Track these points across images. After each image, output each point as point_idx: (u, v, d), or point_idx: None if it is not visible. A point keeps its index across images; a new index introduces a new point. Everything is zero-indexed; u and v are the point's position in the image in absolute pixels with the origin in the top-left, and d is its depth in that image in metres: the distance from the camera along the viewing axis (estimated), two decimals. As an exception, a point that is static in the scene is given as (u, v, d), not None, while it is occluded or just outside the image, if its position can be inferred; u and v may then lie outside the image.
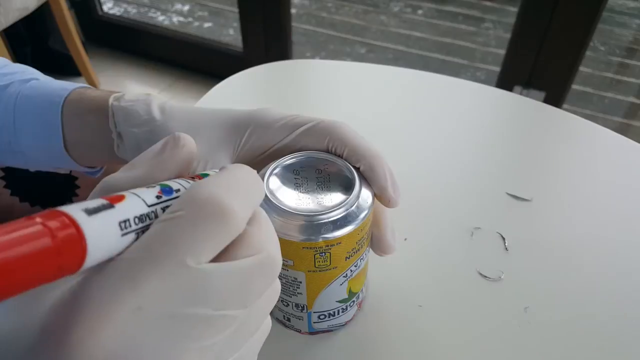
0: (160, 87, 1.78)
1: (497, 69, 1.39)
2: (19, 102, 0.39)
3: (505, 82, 1.34)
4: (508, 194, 0.45)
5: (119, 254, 0.16)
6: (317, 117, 0.32)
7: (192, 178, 0.21)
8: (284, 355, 0.33)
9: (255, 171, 0.21)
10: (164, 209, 0.18)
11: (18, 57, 1.63)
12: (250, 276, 0.18)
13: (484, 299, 0.37)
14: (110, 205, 0.16)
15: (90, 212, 0.15)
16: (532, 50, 1.25)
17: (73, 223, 0.14)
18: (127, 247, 0.17)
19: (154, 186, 0.19)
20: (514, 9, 1.29)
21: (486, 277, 0.38)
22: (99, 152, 0.40)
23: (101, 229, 0.15)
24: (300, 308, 0.31)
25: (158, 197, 0.18)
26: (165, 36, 1.86)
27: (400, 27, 2.12)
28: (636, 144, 0.51)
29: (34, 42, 1.70)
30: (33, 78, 0.41)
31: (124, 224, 0.16)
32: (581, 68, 1.34)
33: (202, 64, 1.81)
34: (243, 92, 0.61)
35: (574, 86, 1.59)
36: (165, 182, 0.20)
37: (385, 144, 0.39)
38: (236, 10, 1.59)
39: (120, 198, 0.17)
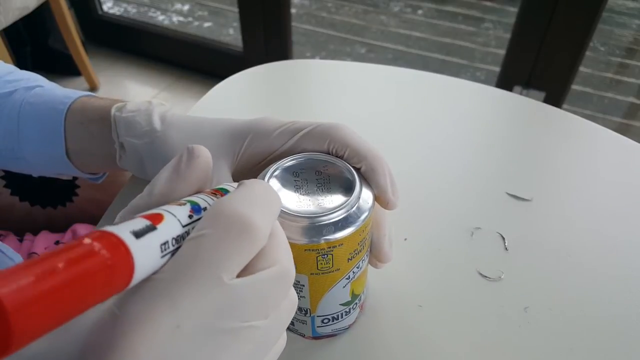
0: (160, 87, 1.78)
1: (497, 69, 1.39)
2: (23, 110, 0.39)
3: (505, 82, 1.34)
4: (508, 194, 0.45)
5: (154, 274, 0.17)
6: (315, 121, 0.32)
7: (214, 193, 0.22)
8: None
9: (271, 186, 0.22)
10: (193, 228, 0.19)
11: (18, 56, 1.63)
12: (269, 288, 0.19)
13: (484, 299, 0.37)
14: (153, 227, 0.17)
15: (138, 234, 0.16)
16: (532, 50, 1.25)
17: (123, 245, 0.15)
18: (162, 266, 0.17)
19: (185, 203, 0.20)
20: (514, 9, 1.30)
21: (486, 277, 0.38)
22: (101, 161, 0.40)
23: (146, 251, 0.16)
24: (303, 312, 0.31)
25: (190, 216, 0.19)
26: (165, 36, 1.86)
27: (400, 27, 2.12)
28: (636, 144, 0.51)
29: (33, 42, 1.70)
30: (37, 85, 0.41)
31: (164, 245, 0.17)
32: (581, 68, 1.34)
33: (202, 63, 1.81)
34: (243, 92, 0.61)
35: (574, 86, 1.59)
36: (193, 199, 0.20)
37: (385, 144, 0.39)
38: (236, 10, 1.59)
39: (160, 218, 0.18)
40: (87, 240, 0.14)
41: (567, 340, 0.34)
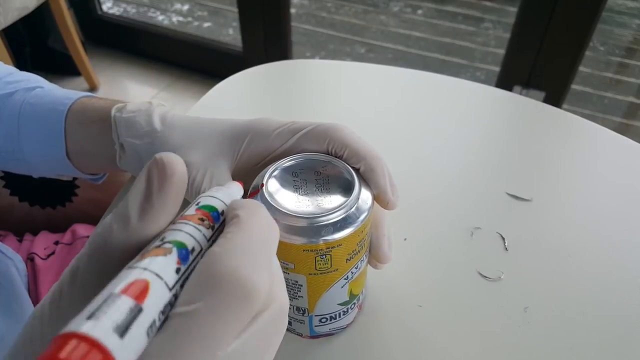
0: (160, 87, 1.78)
1: (497, 69, 1.39)
2: (23, 111, 0.39)
3: (505, 82, 1.34)
4: (508, 194, 0.45)
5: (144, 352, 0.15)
6: (315, 121, 0.32)
7: (201, 219, 0.19)
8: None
9: (268, 215, 0.20)
10: (182, 285, 0.17)
11: (17, 57, 1.63)
12: (267, 331, 0.18)
13: (484, 299, 0.37)
14: (138, 310, 0.15)
15: (123, 330, 0.14)
16: (532, 50, 1.25)
17: (107, 355, 0.13)
18: (149, 343, 0.15)
19: (170, 249, 0.17)
20: (514, 9, 1.29)
21: (486, 277, 0.38)
22: (102, 161, 0.40)
23: (132, 345, 0.14)
24: (301, 312, 0.31)
25: (178, 269, 0.16)
26: (165, 36, 1.86)
27: (400, 27, 2.12)
28: (636, 144, 0.51)
29: (33, 42, 1.70)
30: (38, 86, 0.41)
31: (151, 329, 0.15)
32: (581, 68, 1.35)
33: (201, 63, 1.81)
34: (243, 92, 0.61)
35: (574, 86, 1.59)
36: (178, 240, 0.17)
37: (385, 143, 0.39)
38: (236, 10, 1.59)
39: (145, 289, 0.15)
40: (63, 354, 0.13)
41: (567, 340, 0.34)
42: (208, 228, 0.19)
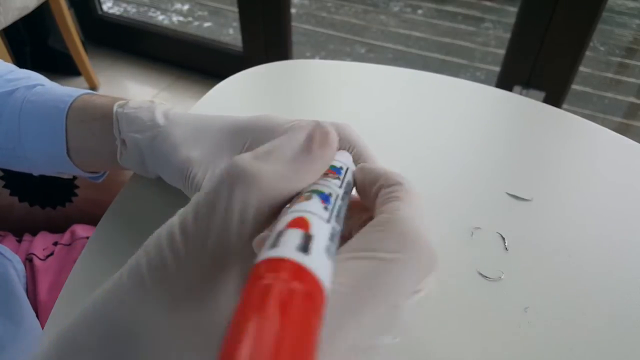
0: (160, 87, 1.78)
1: (497, 69, 1.39)
2: (24, 108, 0.39)
3: (505, 82, 1.34)
4: (508, 194, 0.45)
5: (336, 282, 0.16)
6: (321, 120, 0.32)
7: (325, 174, 0.20)
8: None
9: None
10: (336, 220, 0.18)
11: (18, 56, 1.63)
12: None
13: (484, 299, 0.36)
14: (309, 236, 0.16)
15: (304, 249, 0.15)
16: (532, 50, 1.25)
17: (301, 269, 0.14)
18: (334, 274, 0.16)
19: (308, 195, 0.18)
20: (514, 9, 1.30)
21: (486, 277, 0.38)
22: (103, 159, 0.40)
23: (320, 262, 0.15)
24: None
25: (325, 207, 0.18)
26: (165, 36, 1.86)
27: (400, 27, 2.12)
28: (636, 144, 0.51)
29: (33, 42, 1.70)
30: (38, 84, 0.41)
31: (328, 251, 0.16)
32: (581, 68, 1.34)
33: (202, 63, 1.81)
34: (243, 92, 0.61)
35: (574, 86, 1.59)
36: (314, 189, 0.18)
37: (385, 144, 0.39)
38: (236, 10, 1.59)
39: (305, 222, 0.16)
40: (282, 276, 0.13)
41: (567, 340, 0.34)
42: (335, 179, 0.20)
